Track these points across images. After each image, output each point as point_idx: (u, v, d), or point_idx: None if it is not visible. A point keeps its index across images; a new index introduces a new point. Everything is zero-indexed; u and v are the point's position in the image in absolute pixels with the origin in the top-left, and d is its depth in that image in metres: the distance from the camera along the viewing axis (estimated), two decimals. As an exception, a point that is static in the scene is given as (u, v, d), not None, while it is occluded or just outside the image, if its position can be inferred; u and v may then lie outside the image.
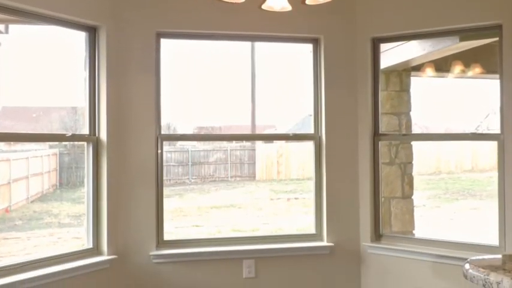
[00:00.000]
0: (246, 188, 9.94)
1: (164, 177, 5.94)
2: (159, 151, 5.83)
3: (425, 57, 7.08)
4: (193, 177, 9.30)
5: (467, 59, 7.24)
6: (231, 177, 9.69)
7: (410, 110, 7.69)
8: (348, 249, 6.09)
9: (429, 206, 10.98)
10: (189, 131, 7.34)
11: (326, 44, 6.13)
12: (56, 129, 6.23)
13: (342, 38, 6.15)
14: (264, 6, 4.06)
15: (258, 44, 6.45)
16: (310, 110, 6.29)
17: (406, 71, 7.77)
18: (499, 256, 3.20)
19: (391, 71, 7.63)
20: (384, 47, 6.33)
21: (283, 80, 7.19)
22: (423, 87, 8.36)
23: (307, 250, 6.05)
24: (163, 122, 6.00)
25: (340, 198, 6.10)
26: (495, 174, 5.51)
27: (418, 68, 7.70)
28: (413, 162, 7.48)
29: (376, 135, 6.14)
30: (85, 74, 5.58)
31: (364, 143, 6.12)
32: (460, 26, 5.63)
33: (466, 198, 11.70)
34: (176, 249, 5.82)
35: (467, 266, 2.96)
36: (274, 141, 9.80)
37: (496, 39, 5.49)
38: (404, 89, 7.77)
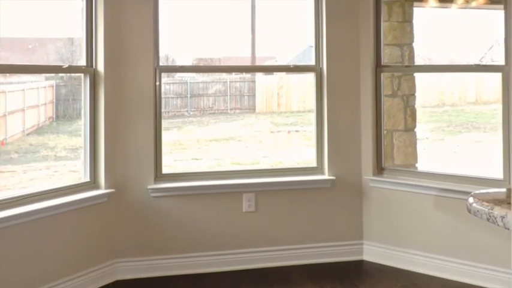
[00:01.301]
0: (245, 120, 9.87)
1: (162, 110, 5.87)
2: (158, 83, 5.76)
3: (428, -13, 6.95)
4: (192, 110, 9.23)
5: (471, -12, 7.10)
6: (231, 109, 9.62)
7: (413, 41, 7.56)
8: (350, 182, 6.05)
9: (432, 138, 10.93)
10: (188, 62, 7.23)
11: (328, -28, 6.02)
12: (52, 61, 6.14)
13: (344, -34, 6.03)
14: None
15: (259, -27, 6.31)
16: (311, 41, 6.20)
17: (408, 1, 7.62)
18: (503, 190, 3.16)
19: (394, 1, 7.47)
20: (386, -24, 6.22)
21: (284, 10, 7.06)
22: (426, 18, 8.22)
23: (308, 184, 6.01)
24: (161, 53, 5.93)
25: (342, 131, 6.04)
26: (499, 107, 5.46)
27: (421, -3, 7.57)
28: (416, 94, 7.39)
29: (378, 67, 6.05)
30: (82, 4, 5.48)
31: (366, 74, 6.04)
32: (466, -47, 5.51)
33: (469, 131, 11.63)
34: (174, 183, 5.78)
35: (471, 199, 2.91)
36: (275, 72, 9.67)
37: (501, -32, 5.37)
38: (407, 19, 7.62)
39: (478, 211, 2.81)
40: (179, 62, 6.75)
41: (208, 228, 5.80)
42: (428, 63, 8.63)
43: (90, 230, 5.34)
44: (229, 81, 9.58)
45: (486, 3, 7.22)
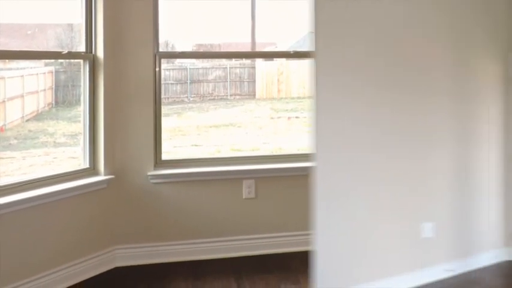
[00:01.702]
0: (245, 106, 9.81)
1: (162, 96, 5.85)
2: (157, 69, 5.73)
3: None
4: (192, 96, 9.18)
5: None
6: (231, 95, 9.55)
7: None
8: (349, 169, 6.03)
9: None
10: (188, 48, 7.19)
11: (329, -43, 5.98)
12: (51, 47, 6.11)
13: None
14: None
15: (258, -42, 6.28)
16: (312, 27, 6.16)
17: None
18: None
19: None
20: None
21: (284, -4, 7.03)
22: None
23: (308, 170, 5.98)
24: (161, 39, 5.90)
25: (342, 118, 6.02)
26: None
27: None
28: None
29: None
30: (81, -11, 5.47)
31: (366, 61, 6.01)
32: None
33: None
34: (174, 169, 5.77)
35: None
36: (275, 58, 9.62)
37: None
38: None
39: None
40: (179, 48, 6.73)
41: (208, 215, 5.79)
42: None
43: (89, 217, 5.33)
44: (229, 67, 9.52)
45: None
